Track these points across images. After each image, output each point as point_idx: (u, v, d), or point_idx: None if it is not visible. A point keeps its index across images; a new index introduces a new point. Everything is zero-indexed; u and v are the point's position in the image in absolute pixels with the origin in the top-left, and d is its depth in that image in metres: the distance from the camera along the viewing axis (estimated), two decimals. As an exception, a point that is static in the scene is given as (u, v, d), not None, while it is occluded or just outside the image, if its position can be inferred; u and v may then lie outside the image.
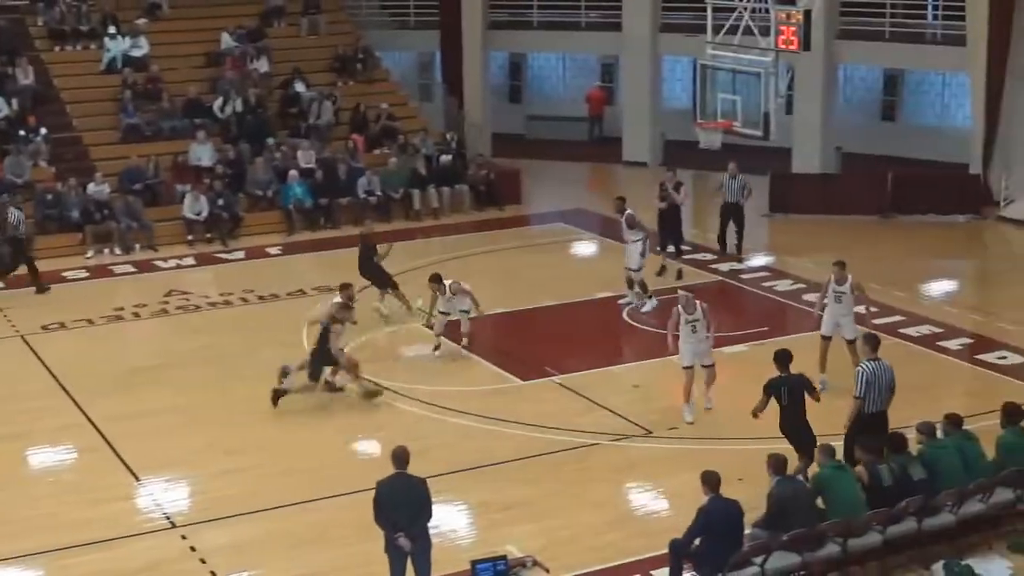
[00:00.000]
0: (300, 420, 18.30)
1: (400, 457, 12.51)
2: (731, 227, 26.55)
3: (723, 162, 26.19)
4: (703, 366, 17.89)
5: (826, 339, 19.05)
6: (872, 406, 15.20)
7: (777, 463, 13.21)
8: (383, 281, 22.80)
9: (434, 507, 12.62)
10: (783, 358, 15.63)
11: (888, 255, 26.63)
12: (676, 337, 17.93)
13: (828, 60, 32.86)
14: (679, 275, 24.28)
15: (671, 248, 24.98)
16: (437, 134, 33.26)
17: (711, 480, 12.79)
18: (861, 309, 19.14)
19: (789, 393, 15.33)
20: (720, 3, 23.14)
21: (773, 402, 15.36)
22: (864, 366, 15.47)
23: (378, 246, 23.03)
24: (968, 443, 14.38)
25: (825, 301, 19.05)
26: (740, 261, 25.96)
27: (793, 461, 14.36)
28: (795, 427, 15.33)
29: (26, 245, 25.57)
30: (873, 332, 16.57)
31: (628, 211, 23.14)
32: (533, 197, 32.56)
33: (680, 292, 18.11)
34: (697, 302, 17.71)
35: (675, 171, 25.58)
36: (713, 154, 24.68)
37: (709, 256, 26.34)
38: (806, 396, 15.39)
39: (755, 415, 15.67)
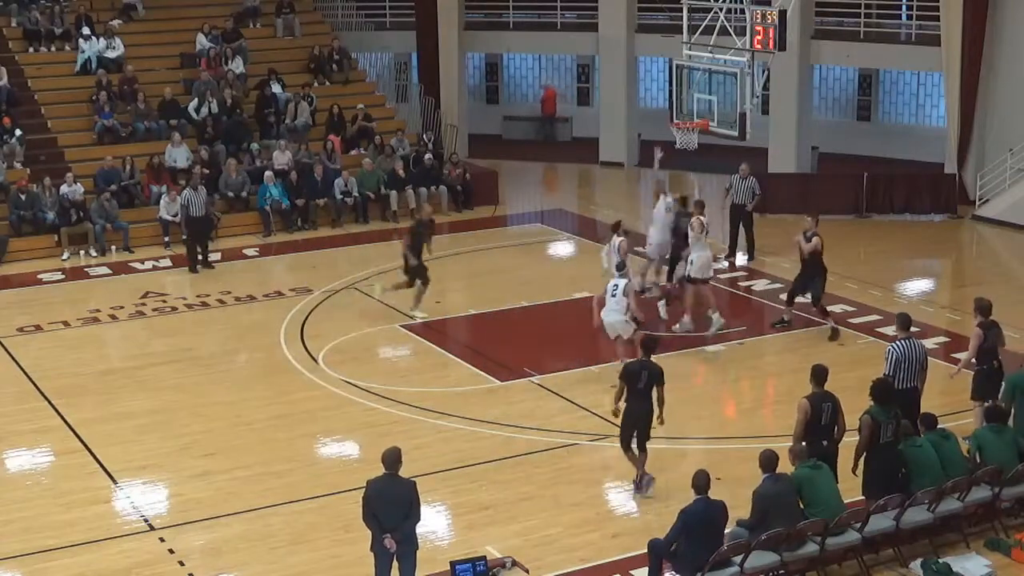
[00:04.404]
0: (277, 422, 18.27)
1: (390, 458, 12.48)
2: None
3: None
4: None
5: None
6: (902, 383, 15.40)
7: (766, 460, 13.16)
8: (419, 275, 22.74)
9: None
10: (651, 345, 15.86)
11: (864, 254, 26.76)
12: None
13: (803, 60, 33.00)
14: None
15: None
16: (413, 135, 33.23)
17: (698, 482, 12.76)
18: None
19: (648, 378, 15.50)
20: (696, 3, 23.18)
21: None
22: (895, 346, 15.71)
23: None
24: (945, 442, 14.45)
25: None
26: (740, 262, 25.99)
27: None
28: (646, 412, 15.50)
29: None
30: (904, 312, 16.83)
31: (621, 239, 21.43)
32: (510, 197, 32.60)
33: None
34: None
35: (816, 218, 22.05)
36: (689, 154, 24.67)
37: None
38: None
39: (614, 413, 15.85)
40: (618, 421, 15.76)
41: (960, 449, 14.58)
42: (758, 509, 13.05)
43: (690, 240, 21.24)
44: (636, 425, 15.52)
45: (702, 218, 21.28)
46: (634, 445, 15.58)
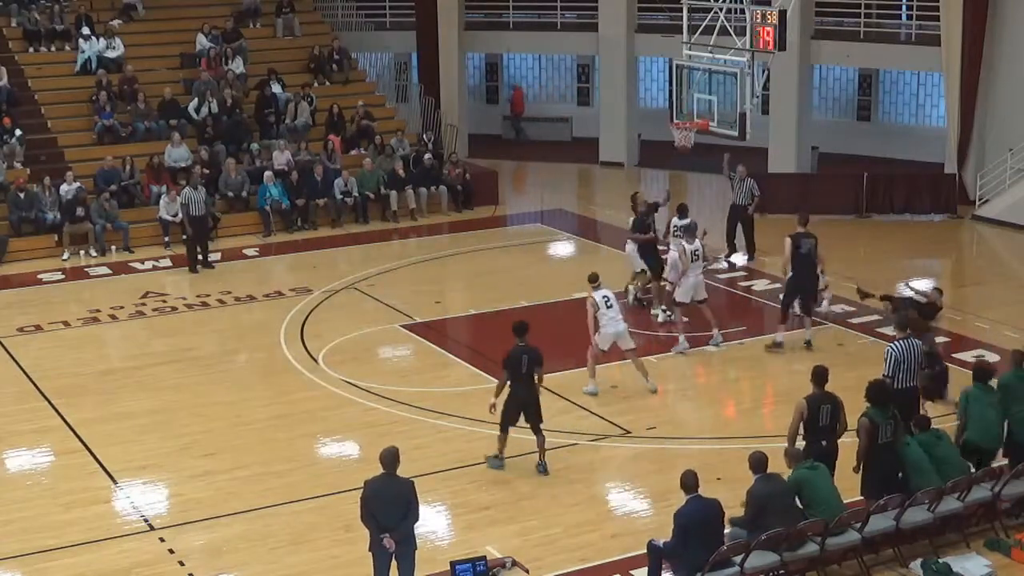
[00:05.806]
0: (277, 422, 18.26)
1: (388, 458, 12.49)
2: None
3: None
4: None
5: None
6: (901, 383, 15.41)
7: (756, 461, 13.18)
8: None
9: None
10: (521, 329, 16.20)
11: (864, 254, 26.76)
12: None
13: (803, 60, 33.01)
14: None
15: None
16: (413, 135, 33.22)
17: (687, 481, 12.74)
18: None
19: (529, 363, 15.95)
20: (696, 3, 23.18)
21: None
22: (893, 346, 15.71)
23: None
24: (938, 442, 14.44)
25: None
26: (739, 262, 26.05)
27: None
28: (532, 398, 16.00)
29: None
30: (902, 312, 16.84)
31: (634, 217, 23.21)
32: (510, 197, 32.59)
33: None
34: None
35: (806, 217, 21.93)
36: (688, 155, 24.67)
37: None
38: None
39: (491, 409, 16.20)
40: (495, 416, 16.18)
41: (956, 450, 14.57)
42: (752, 508, 13.06)
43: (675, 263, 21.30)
44: (521, 409, 16.05)
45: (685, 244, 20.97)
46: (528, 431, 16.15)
